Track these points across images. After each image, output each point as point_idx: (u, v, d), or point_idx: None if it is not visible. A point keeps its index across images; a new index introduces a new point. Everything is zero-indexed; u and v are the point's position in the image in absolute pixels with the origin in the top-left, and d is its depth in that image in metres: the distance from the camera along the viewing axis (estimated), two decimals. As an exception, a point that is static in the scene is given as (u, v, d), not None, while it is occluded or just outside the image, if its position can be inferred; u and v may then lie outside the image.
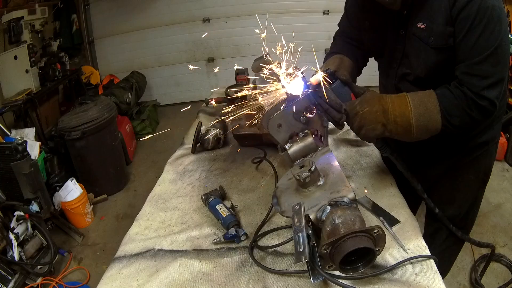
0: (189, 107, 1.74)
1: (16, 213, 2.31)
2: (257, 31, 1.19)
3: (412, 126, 1.08)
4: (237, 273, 1.05)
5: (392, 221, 1.14)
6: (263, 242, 1.15)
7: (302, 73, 1.10)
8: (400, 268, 0.97)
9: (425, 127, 1.08)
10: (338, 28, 1.47)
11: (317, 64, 1.10)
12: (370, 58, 1.43)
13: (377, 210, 1.20)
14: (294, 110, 1.13)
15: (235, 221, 1.21)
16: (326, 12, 4.72)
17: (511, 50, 1.32)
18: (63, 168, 3.24)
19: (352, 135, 1.67)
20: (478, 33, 1.00)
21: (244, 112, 1.20)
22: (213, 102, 1.99)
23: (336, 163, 1.07)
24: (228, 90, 2.02)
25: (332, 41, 1.46)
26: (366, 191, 1.30)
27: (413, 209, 1.39)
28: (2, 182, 2.39)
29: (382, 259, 0.99)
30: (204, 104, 2.24)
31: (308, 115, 1.12)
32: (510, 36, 1.18)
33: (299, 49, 1.11)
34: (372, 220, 1.17)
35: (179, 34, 4.94)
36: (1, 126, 2.87)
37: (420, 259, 0.99)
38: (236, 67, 2.28)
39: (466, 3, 0.99)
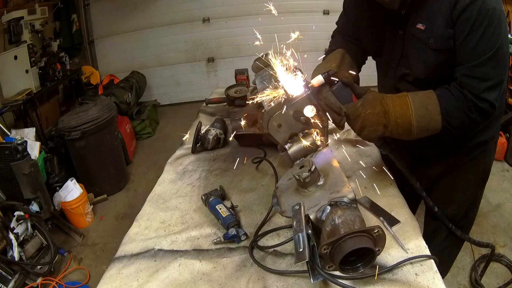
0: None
1: (16, 213, 2.31)
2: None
3: (412, 127, 1.08)
4: (237, 273, 1.05)
5: (392, 221, 1.14)
6: (263, 242, 1.16)
7: (302, 74, 1.10)
8: (400, 268, 0.97)
9: (426, 127, 1.08)
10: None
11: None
12: (369, 57, 1.43)
13: (377, 210, 1.20)
14: (294, 110, 1.13)
15: (235, 221, 1.21)
16: (326, 12, 4.72)
17: (511, 51, 1.32)
18: (63, 168, 3.24)
19: (352, 135, 1.67)
20: (479, 35, 1.00)
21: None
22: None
23: (336, 163, 1.07)
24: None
25: (331, 39, 1.46)
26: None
27: (412, 209, 1.39)
28: (2, 182, 2.39)
29: (382, 259, 0.99)
30: (204, 104, 2.24)
31: (308, 115, 1.12)
32: (510, 36, 1.18)
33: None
34: (372, 220, 1.17)
35: (179, 34, 4.94)
36: (1, 126, 2.86)
37: (420, 259, 0.99)
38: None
39: (467, 5, 0.99)
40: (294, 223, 0.91)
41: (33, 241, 2.38)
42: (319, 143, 1.15)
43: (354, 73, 1.22)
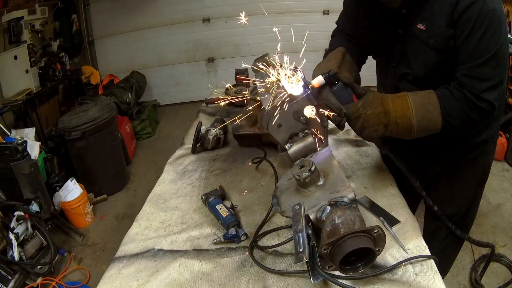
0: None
1: (16, 213, 2.31)
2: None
3: (413, 127, 1.08)
4: (237, 273, 1.05)
5: (392, 221, 1.14)
6: (263, 242, 1.16)
7: (303, 74, 1.10)
8: (400, 268, 0.97)
9: (426, 127, 1.09)
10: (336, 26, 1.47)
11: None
12: (369, 57, 1.43)
13: (377, 210, 1.20)
14: (294, 110, 1.13)
15: (235, 221, 1.21)
16: (326, 12, 4.72)
17: (511, 51, 1.32)
18: (63, 168, 3.24)
19: (352, 135, 1.67)
20: (479, 36, 1.00)
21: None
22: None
23: (336, 163, 1.07)
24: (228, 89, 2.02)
25: (331, 38, 1.46)
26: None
27: (412, 209, 1.39)
28: (2, 182, 2.39)
29: (382, 259, 0.99)
30: (204, 104, 2.24)
31: (308, 115, 1.12)
32: (510, 36, 1.18)
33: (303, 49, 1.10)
34: (372, 220, 1.17)
35: (179, 34, 4.94)
36: (1, 126, 2.87)
37: (420, 259, 0.99)
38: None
39: (468, 6, 0.99)
40: (294, 223, 0.91)
41: (33, 241, 2.38)
42: (319, 143, 1.15)
43: (355, 72, 1.22)
